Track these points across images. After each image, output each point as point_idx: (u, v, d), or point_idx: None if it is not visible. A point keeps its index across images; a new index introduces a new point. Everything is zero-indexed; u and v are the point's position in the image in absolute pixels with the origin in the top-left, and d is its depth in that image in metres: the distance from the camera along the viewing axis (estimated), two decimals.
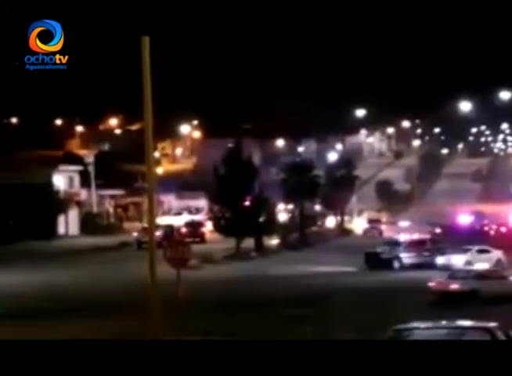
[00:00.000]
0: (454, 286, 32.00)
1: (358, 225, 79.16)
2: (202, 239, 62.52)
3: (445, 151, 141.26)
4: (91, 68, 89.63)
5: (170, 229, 58.07)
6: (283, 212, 69.57)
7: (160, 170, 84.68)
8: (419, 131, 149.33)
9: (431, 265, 44.90)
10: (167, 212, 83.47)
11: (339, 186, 76.29)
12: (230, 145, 60.46)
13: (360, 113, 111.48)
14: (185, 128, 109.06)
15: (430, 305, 30.64)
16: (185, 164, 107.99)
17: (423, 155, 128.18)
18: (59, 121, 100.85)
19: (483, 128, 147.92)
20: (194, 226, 65.79)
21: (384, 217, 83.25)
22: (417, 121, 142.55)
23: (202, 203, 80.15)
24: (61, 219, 72.06)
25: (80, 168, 78.25)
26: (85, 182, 77.97)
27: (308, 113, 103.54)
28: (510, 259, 44.94)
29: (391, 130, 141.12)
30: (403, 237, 51.46)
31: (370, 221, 78.58)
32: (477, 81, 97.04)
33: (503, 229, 57.23)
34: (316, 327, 24.22)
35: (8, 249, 56.09)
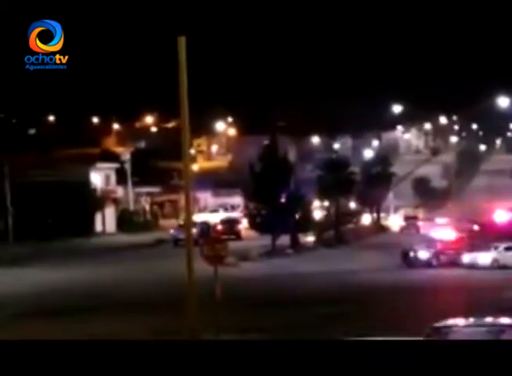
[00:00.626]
0: None
1: (395, 222, 78.68)
2: (238, 236, 62.57)
3: (482, 147, 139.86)
4: (128, 66, 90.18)
5: (206, 227, 58.25)
6: (318, 209, 69.37)
7: (195, 167, 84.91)
8: (456, 127, 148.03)
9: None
10: (203, 209, 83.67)
11: (375, 183, 75.87)
12: (265, 142, 60.41)
13: (397, 109, 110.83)
14: (220, 126, 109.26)
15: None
16: (221, 162, 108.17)
17: (460, 151, 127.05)
18: (95, 119, 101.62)
19: None
20: (230, 223, 65.89)
21: (420, 214, 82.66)
22: (454, 117, 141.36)
23: (238, 200, 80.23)
24: (98, 217, 72.61)
25: (116, 165, 78.75)
26: (122, 179, 78.45)
27: (344, 109, 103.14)
28: None
29: (428, 126, 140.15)
30: (441, 234, 50.99)
31: (407, 218, 78.04)
32: None
33: None
34: (354, 325, 24.09)
35: (46, 246, 56.64)
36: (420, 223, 75.21)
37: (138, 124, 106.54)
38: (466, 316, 17.78)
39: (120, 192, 78.72)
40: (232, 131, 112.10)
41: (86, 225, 67.99)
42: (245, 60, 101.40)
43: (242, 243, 57.48)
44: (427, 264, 45.39)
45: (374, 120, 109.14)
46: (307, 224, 58.87)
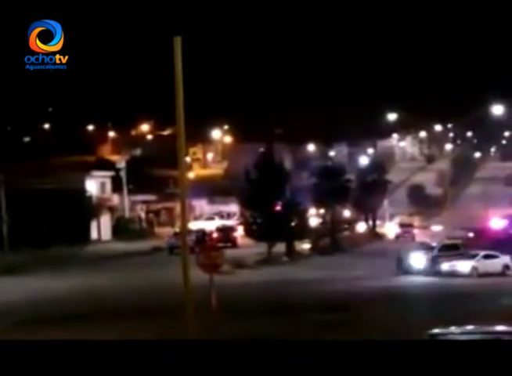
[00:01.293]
0: None
1: (390, 229, 78.73)
2: (234, 244, 62.57)
3: (477, 155, 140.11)
4: (125, 74, 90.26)
5: (202, 234, 58.22)
6: (314, 217, 69.37)
7: (191, 175, 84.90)
8: (451, 135, 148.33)
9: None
10: (199, 217, 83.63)
11: (370, 191, 75.96)
12: (261, 150, 60.49)
13: (392, 117, 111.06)
14: (216, 133, 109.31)
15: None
16: (216, 169, 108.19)
17: (455, 159, 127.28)
18: (91, 127, 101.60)
19: None
20: (226, 231, 65.88)
21: (416, 221, 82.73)
22: (449, 125, 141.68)
23: (233, 208, 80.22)
24: (94, 225, 72.52)
25: (112, 173, 78.70)
26: (117, 187, 78.41)
27: (340, 117, 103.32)
28: None
29: (423, 134, 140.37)
30: (436, 242, 51.03)
31: (402, 225, 78.11)
32: (510, 84, 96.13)
33: None
34: (351, 332, 24.09)
35: (42, 254, 56.50)
36: (416, 231, 75.31)
37: (133, 132, 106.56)
38: (463, 323, 17.80)
39: (115, 200, 78.67)
40: (227, 139, 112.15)
41: (82, 233, 67.89)
42: (241, 68, 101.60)
43: (238, 250, 57.45)
44: (422, 271, 45.41)
45: (370, 128, 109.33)
46: (303, 232, 58.85)
